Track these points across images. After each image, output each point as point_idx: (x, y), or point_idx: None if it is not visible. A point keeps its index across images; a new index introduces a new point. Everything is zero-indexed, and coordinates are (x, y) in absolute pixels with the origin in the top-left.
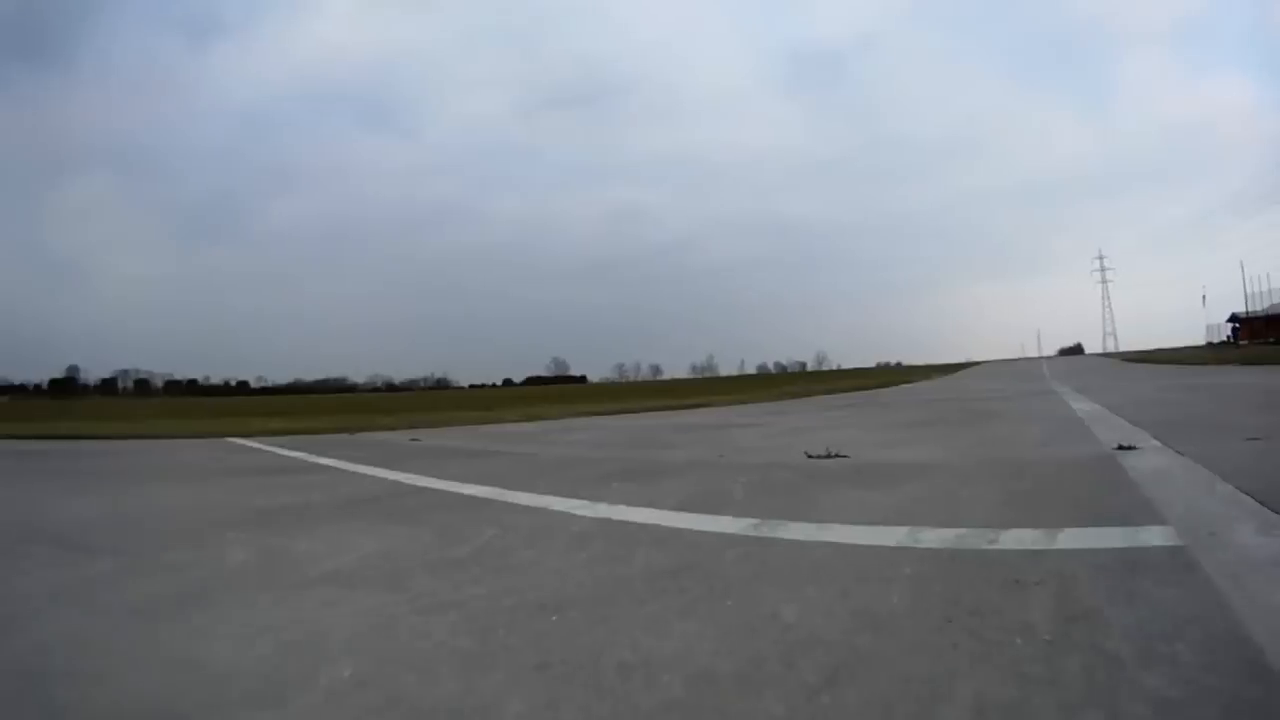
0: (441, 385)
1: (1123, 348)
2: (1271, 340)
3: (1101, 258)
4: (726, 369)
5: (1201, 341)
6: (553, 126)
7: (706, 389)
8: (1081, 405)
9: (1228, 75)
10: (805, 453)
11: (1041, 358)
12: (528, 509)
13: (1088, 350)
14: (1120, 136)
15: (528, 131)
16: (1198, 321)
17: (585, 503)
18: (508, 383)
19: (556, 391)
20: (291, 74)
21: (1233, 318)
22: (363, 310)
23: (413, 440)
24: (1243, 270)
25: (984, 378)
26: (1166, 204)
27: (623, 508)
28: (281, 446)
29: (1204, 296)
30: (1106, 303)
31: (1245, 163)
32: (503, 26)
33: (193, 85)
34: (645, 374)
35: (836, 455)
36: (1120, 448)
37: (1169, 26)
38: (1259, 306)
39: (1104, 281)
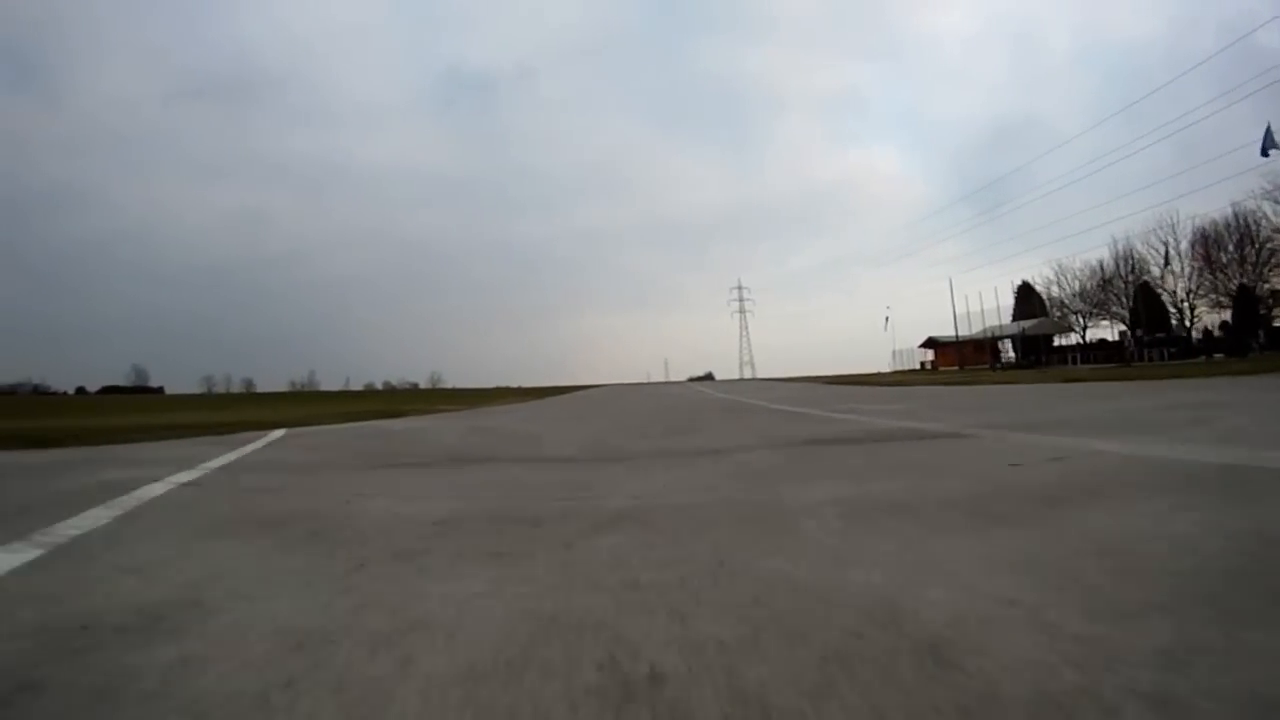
0: (41, 391)
1: (760, 375)
2: (997, 365)
3: (741, 288)
4: (330, 386)
5: (887, 368)
6: (195, 112)
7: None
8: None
9: (878, 147)
10: None
11: (673, 382)
12: None
13: (719, 377)
14: (766, 188)
15: (170, 115)
16: (881, 349)
17: None
18: (80, 391)
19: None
20: None
21: (929, 342)
22: None
23: None
24: (951, 291)
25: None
26: (811, 249)
27: None
28: None
29: (887, 319)
30: (745, 333)
31: (884, 220)
32: None
33: None
34: (237, 387)
35: None
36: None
37: (829, 97)
38: (968, 330)
39: (742, 312)
